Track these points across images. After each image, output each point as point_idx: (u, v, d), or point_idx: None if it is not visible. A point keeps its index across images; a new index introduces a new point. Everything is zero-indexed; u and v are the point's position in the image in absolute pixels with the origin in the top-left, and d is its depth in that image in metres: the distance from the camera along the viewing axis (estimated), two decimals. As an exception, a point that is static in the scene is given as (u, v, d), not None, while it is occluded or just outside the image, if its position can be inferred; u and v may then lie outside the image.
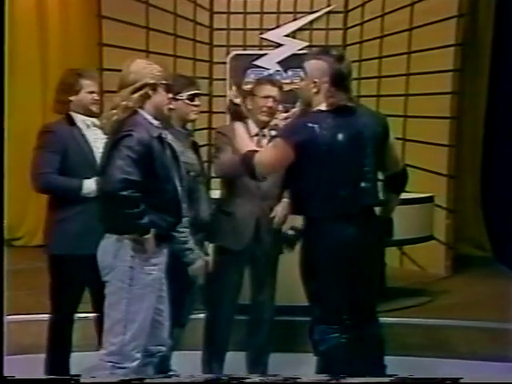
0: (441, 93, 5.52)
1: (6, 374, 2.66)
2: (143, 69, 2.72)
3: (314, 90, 2.79)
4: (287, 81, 5.84)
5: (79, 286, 3.22)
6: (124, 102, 2.66)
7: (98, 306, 3.18)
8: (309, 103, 2.85)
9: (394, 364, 2.99)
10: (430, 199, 4.87)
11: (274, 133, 3.31)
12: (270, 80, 3.54)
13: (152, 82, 2.71)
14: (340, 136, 2.73)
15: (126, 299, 2.65)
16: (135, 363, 2.69)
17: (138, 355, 2.70)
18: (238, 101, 3.04)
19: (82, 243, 3.01)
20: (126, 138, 2.60)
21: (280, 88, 3.40)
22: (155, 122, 2.75)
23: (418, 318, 4.18)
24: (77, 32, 6.33)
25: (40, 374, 3.19)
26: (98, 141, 3.10)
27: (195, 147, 3.42)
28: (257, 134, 3.35)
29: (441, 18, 5.47)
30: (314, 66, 2.81)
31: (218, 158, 3.35)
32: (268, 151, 2.85)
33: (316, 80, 2.78)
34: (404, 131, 5.76)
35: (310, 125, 2.73)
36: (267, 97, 3.33)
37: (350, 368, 2.76)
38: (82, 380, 2.61)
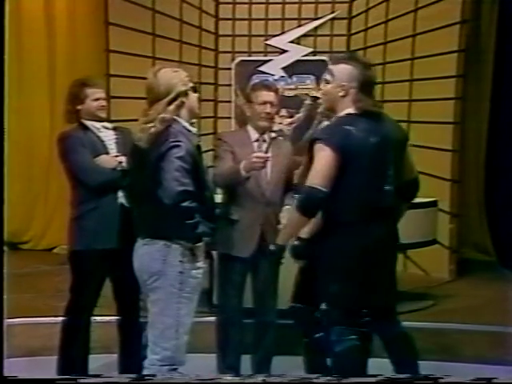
0: (444, 98, 5.55)
1: (14, 375, 2.68)
2: (172, 78, 2.72)
3: (341, 93, 2.80)
4: (292, 86, 5.89)
5: (97, 282, 3.28)
6: (161, 115, 2.66)
7: (121, 306, 3.31)
8: (331, 107, 2.85)
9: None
10: (433, 204, 4.87)
11: (273, 135, 3.33)
12: (265, 85, 3.45)
13: (184, 89, 2.72)
14: (372, 139, 2.75)
15: (176, 304, 2.68)
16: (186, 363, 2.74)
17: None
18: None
19: (98, 239, 3.14)
20: (174, 149, 2.59)
21: (276, 92, 3.38)
22: (193, 130, 2.77)
23: (422, 322, 4.18)
24: (84, 38, 6.36)
25: (48, 375, 3.21)
26: (111, 141, 3.27)
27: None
28: (257, 140, 3.36)
29: (444, 23, 5.50)
30: (343, 70, 2.81)
31: (218, 167, 3.30)
32: (319, 170, 2.68)
33: (344, 84, 2.79)
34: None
35: (347, 127, 2.73)
36: (264, 103, 3.31)
37: (364, 370, 2.79)
38: (82, 380, 2.62)
